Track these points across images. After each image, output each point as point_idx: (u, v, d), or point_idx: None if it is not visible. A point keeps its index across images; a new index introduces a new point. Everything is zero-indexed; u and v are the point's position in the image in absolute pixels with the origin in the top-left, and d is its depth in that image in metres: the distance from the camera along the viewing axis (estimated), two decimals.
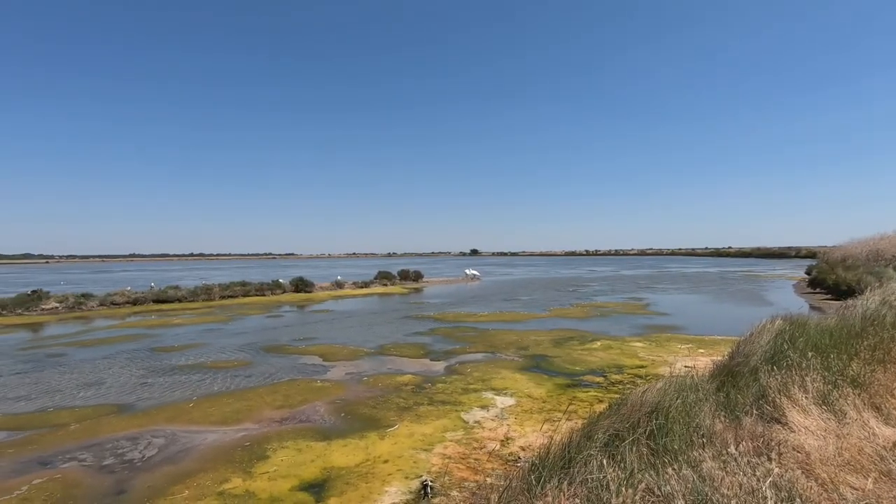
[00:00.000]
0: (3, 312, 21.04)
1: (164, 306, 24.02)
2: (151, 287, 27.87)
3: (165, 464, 5.70)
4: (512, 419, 6.88)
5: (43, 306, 22.12)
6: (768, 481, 3.11)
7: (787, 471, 3.42)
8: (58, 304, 22.51)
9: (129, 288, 27.19)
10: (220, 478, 5.26)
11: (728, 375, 5.63)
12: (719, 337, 12.88)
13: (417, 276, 39.54)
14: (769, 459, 3.61)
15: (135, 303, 24.42)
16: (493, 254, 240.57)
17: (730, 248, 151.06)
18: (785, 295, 25.62)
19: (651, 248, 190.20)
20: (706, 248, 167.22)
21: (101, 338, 15.06)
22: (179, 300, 25.69)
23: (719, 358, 7.66)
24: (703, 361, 9.50)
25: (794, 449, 3.97)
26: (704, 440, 3.88)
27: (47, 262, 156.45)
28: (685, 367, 8.82)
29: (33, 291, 23.23)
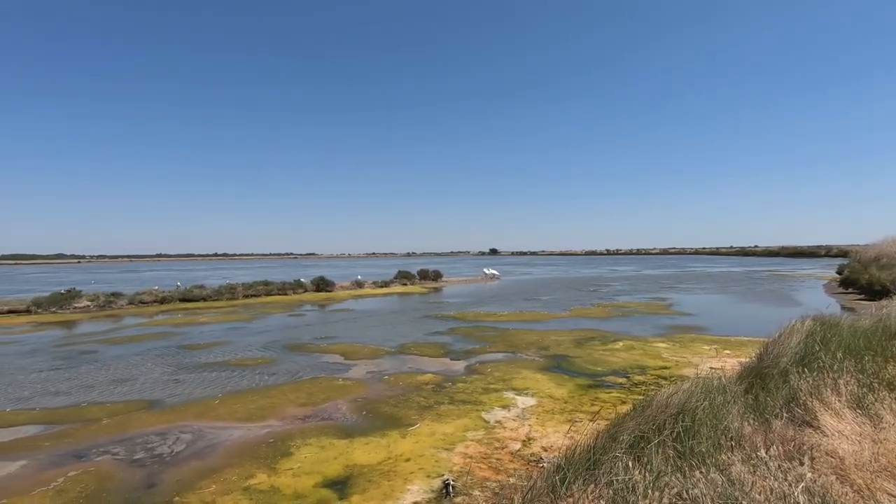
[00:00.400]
0: (39, 310, 21.84)
1: (189, 305, 24.60)
2: (178, 286, 28.58)
3: (193, 459, 5.84)
4: (533, 419, 6.84)
5: (76, 305, 22.87)
6: (801, 486, 3.03)
7: (820, 476, 3.33)
8: (89, 303, 23.26)
9: (156, 287, 27.94)
10: (246, 473, 5.37)
11: (756, 377, 5.49)
12: (746, 338, 12.58)
13: (437, 276, 39.61)
14: (801, 464, 3.51)
15: (162, 301, 25.06)
16: (513, 253, 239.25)
17: (756, 247, 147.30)
18: (815, 295, 24.86)
19: (674, 248, 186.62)
20: (731, 248, 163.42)
21: (130, 335, 15.50)
22: (204, 299, 26.27)
23: (746, 359, 7.48)
24: (729, 363, 9.30)
25: (827, 454, 3.85)
26: (733, 443, 3.79)
27: (79, 262, 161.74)
28: (711, 368, 8.65)
29: (67, 290, 24.04)
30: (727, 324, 15.70)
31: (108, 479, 5.37)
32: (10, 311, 21.62)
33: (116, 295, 24.52)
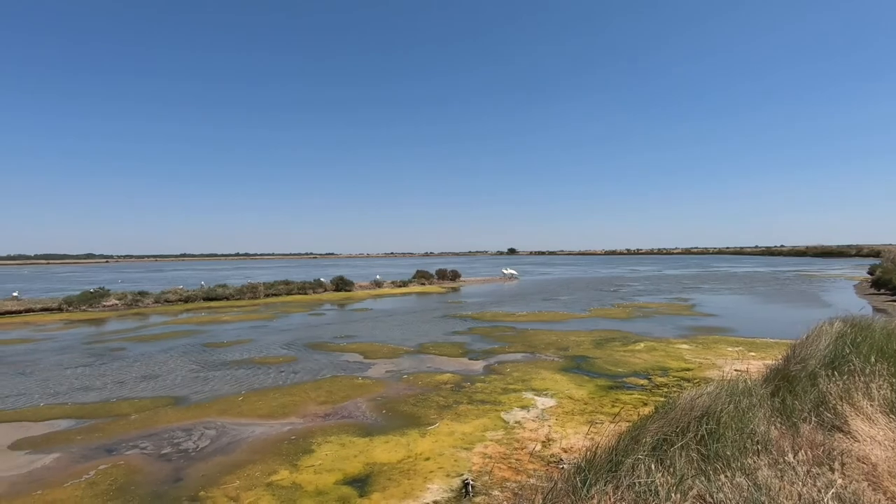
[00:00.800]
0: (71, 308, 22.58)
1: (213, 304, 25.12)
2: (201, 286, 29.21)
3: (217, 454, 5.97)
4: (553, 420, 6.80)
5: (104, 303, 23.57)
6: (830, 492, 2.95)
7: (851, 482, 3.23)
8: (117, 301, 23.95)
9: (181, 286, 28.61)
10: (269, 469, 5.46)
11: (783, 380, 5.35)
12: (772, 340, 12.27)
13: (455, 276, 39.66)
14: (831, 470, 3.42)
15: (186, 300, 25.65)
16: (531, 252, 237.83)
17: (782, 246, 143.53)
18: (844, 296, 24.11)
19: (696, 248, 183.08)
20: (756, 247, 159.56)
21: (156, 333, 15.91)
22: (227, 298, 26.79)
23: (772, 362, 7.30)
24: (755, 365, 9.08)
25: (858, 459, 3.74)
26: (759, 447, 3.71)
27: (107, 262, 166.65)
28: (735, 370, 8.46)
29: (96, 289, 24.79)
30: (752, 325, 15.35)
31: (137, 472, 5.52)
32: (43, 310, 22.41)
33: (143, 294, 25.19)
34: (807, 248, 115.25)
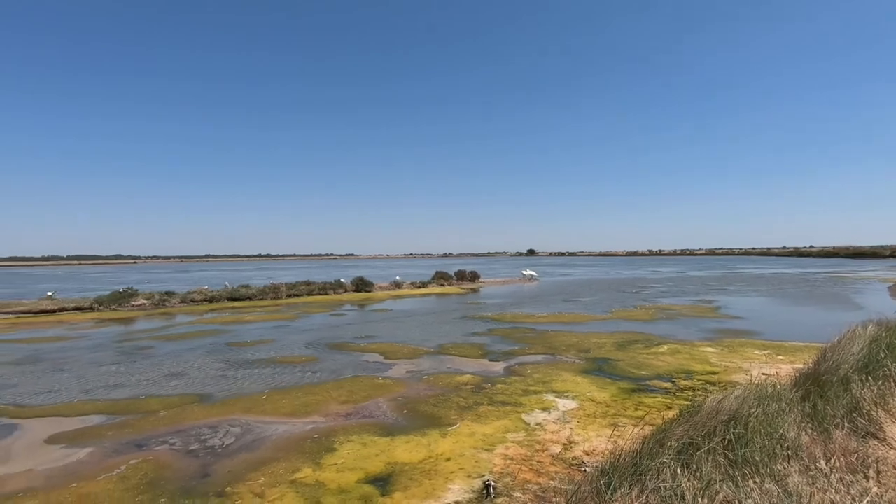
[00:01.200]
0: (101, 308, 23.30)
1: (236, 304, 25.61)
2: (225, 286, 29.83)
3: (242, 451, 6.09)
4: (574, 423, 6.74)
5: (133, 303, 24.26)
6: (865, 501, 2.87)
7: (887, 490, 3.13)
8: (145, 301, 24.62)
9: (205, 287, 29.25)
10: (292, 467, 5.55)
11: (814, 384, 5.21)
12: (801, 343, 11.93)
13: (474, 277, 39.61)
14: (865, 477, 3.32)
15: (211, 300, 26.22)
16: (551, 254, 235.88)
17: (811, 247, 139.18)
18: (878, 298, 23.29)
19: (721, 248, 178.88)
20: (784, 248, 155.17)
21: (182, 333, 16.31)
22: (250, 298, 27.29)
23: (802, 366, 7.10)
24: (784, 369, 8.85)
25: (894, 467, 3.62)
26: (789, 453, 3.62)
27: (135, 262, 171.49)
28: (763, 374, 8.25)
29: (125, 290, 25.53)
30: (780, 328, 14.94)
31: (166, 467, 5.67)
32: (76, 308, 23.18)
33: (169, 294, 25.85)
34: (837, 248, 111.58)
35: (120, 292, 24.98)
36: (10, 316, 21.73)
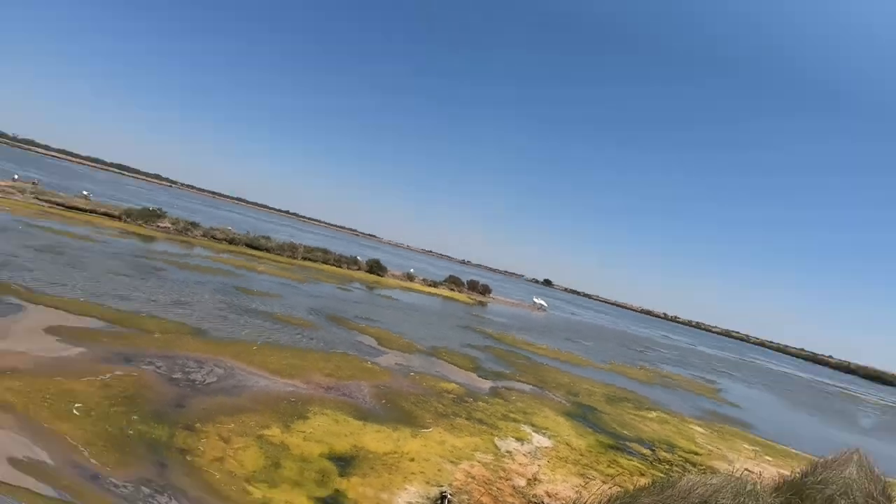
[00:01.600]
0: (129, 220, 24.03)
1: (254, 252, 26.08)
2: (247, 232, 30.38)
3: (220, 393, 6.21)
4: (545, 461, 6.66)
5: (159, 223, 24.95)
6: None
7: None
8: (170, 225, 25.28)
9: (230, 227, 29.87)
10: (263, 423, 5.64)
11: (796, 495, 5.04)
12: (794, 450, 11.54)
13: (485, 290, 39.46)
14: None
15: (231, 241, 26.75)
16: (566, 289, 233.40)
17: (830, 357, 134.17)
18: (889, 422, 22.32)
19: (737, 331, 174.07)
20: (801, 350, 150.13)
21: (197, 265, 16.69)
22: (268, 250, 27.75)
23: (788, 472, 6.89)
24: (769, 471, 8.58)
25: None
26: None
27: (171, 186, 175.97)
28: (746, 469, 8.02)
29: (155, 209, 26.27)
30: (776, 428, 14.46)
31: (147, 387, 5.83)
32: (105, 214, 23.95)
33: (194, 224, 26.48)
34: (856, 366, 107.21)
35: (149, 210, 25.71)
36: (45, 204, 22.60)
